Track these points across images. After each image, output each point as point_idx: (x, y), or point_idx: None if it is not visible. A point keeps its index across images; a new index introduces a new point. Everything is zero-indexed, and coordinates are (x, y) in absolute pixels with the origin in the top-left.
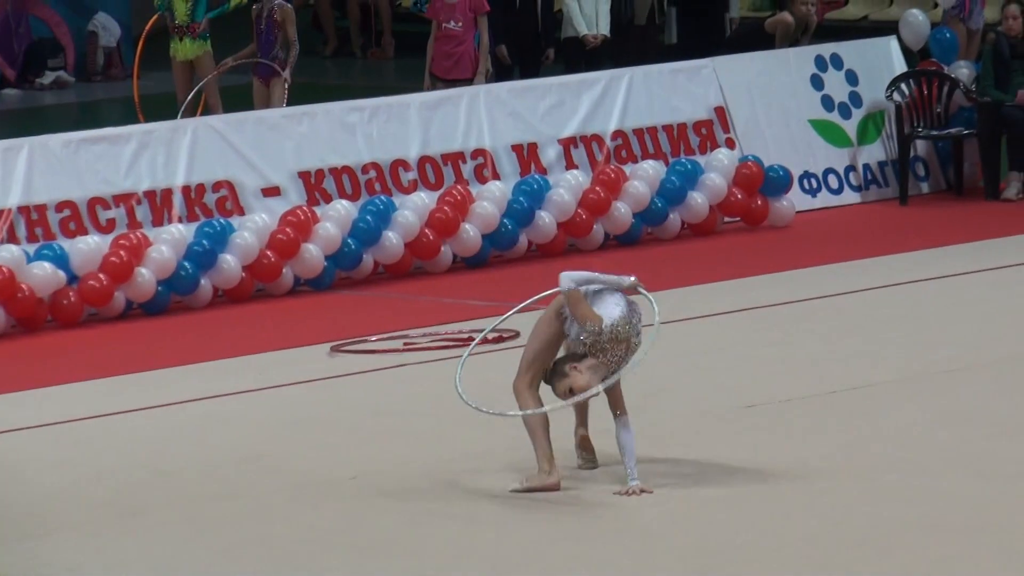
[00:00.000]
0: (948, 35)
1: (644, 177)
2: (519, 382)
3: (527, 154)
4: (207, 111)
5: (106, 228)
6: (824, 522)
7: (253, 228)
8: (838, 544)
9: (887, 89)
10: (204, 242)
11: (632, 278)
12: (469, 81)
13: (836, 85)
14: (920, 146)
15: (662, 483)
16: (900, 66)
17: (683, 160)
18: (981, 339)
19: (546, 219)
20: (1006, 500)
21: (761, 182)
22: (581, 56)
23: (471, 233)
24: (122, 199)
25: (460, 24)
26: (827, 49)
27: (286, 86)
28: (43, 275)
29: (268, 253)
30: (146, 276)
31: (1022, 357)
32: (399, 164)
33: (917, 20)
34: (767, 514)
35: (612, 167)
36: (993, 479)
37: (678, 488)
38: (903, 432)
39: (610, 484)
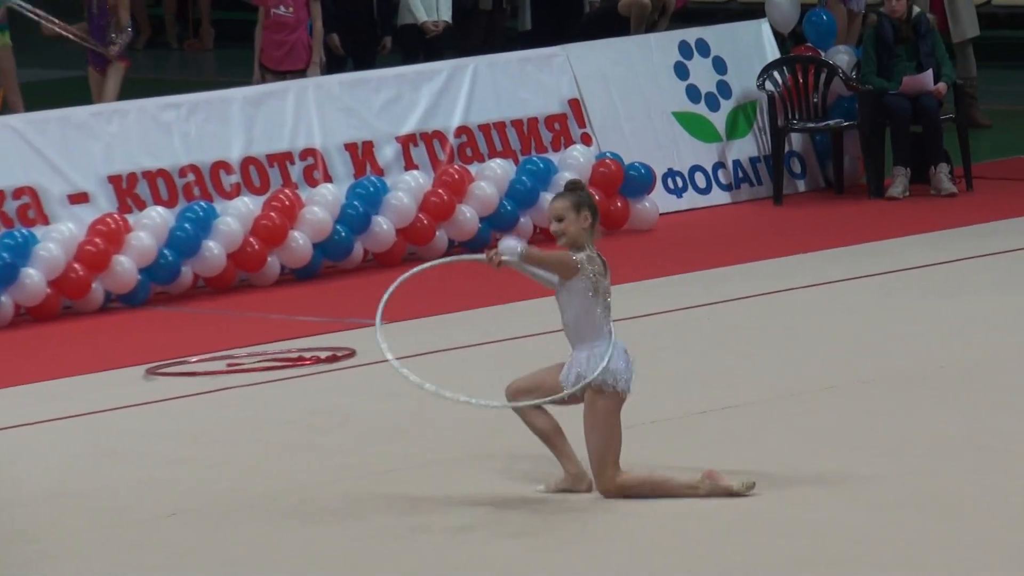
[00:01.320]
0: (825, 17)
1: (491, 177)
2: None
3: (362, 154)
4: (6, 109)
5: None
6: (687, 557)
7: (59, 239)
8: None
9: (758, 78)
10: (4, 255)
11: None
12: (303, 72)
13: (702, 74)
14: (796, 140)
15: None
16: (772, 52)
17: (534, 158)
18: (857, 353)
19: (383, 225)
20: (883, 530)
21: (621, 182)
22: (420, 45)
23: (300, 241)
24: None
25: (291, 10)
26: (692, 34)
27: (120, 75)
28: None
29: (75, 266)
30: None
31: (903, 372)
32: (220, 166)
33: (784, 1)
34: (624, 551)
35: (456, 167)
36: (870, 508)
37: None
38: (770, 456)
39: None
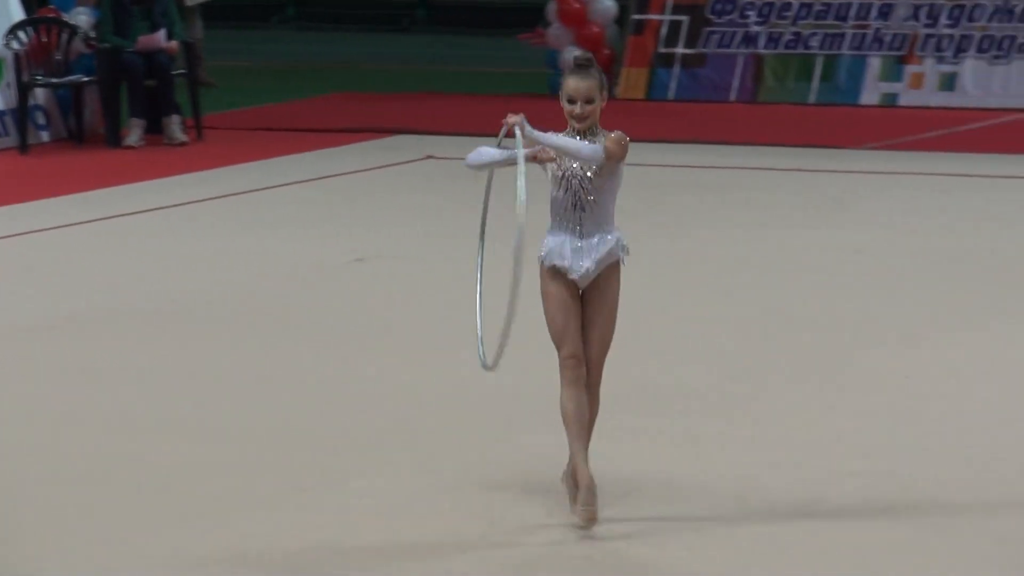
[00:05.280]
0: None
1: None
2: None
3: None
4: None
5: None
6: None
7: None
8: None
9: (5, 37)
10: None
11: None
12: None
13: None
14: (40, 94)
15: None
16: (19, 14)
17: None
18: (101, 289)
19: None
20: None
21: None
22: None
23: None
24: None
25: None
26: None
27: None
28: None
29: None
30: None
31: (148, 307)
32: None
33: None
34: None
35: None
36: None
37: None
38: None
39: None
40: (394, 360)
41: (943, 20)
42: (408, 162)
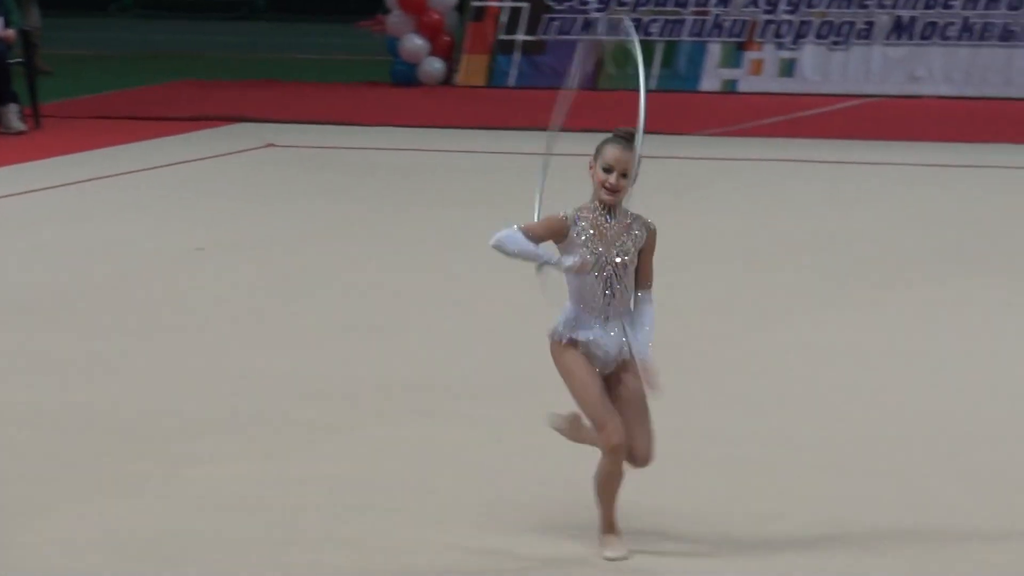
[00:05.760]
0: None
1: None
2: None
3: None
4: None
5: None
6: None
7: None
8: None
9: None
10: None
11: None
12: None
13: None
14: None
15: None
16: None
17: None
18: None
19: None
20: None
21: None
22: None
23: None
24: None
25: None
26: None
27: None
28: None
29: None
30: None
31: None
32: None
33: None
34: None
35: None
36: None
37: None
38: None
39: None
40: (233, 347)
41: (782, 7)
42: (249, 150)
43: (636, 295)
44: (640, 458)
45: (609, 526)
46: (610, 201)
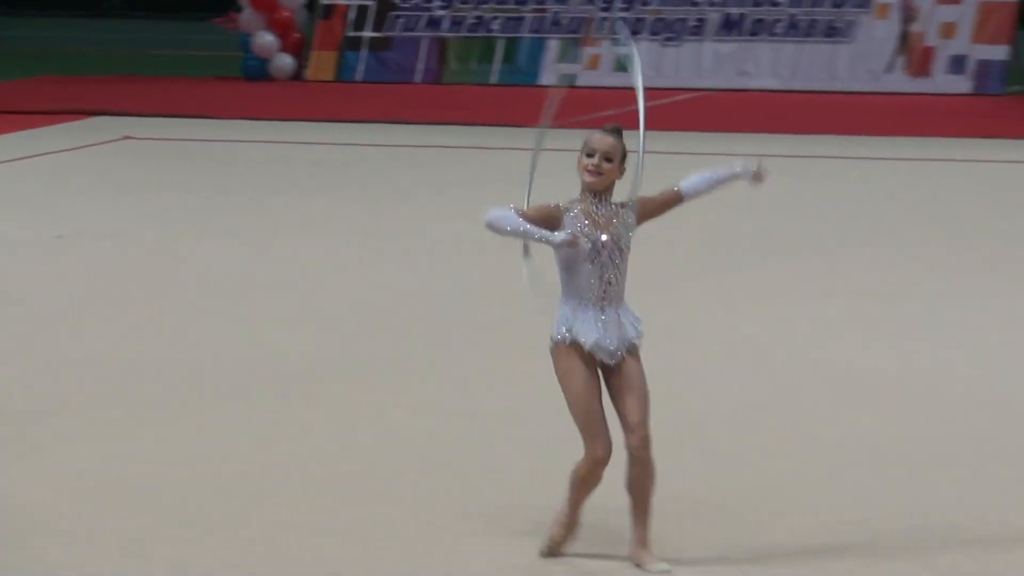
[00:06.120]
0: None
1: None
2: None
3: None
4: None
5: None
6: None
7: None
8: None
9: None
10: None
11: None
12: None
13: None
14: None
15: None
16: None
17: None
18: None
19: None
20: None
21: None
22: None
23: None
24: None
25: None
26: None
27: None
28: None
29: None
30: None
31: None
32: None
33: None
34: None
35: None
36: None
37: None
38: None
39: None
40: (96, 330)
41: (617, 4)
42: (106, 142)
43: (674, 191)
44: (633, 424)
45: (570, 523)
46: (593, 184)
